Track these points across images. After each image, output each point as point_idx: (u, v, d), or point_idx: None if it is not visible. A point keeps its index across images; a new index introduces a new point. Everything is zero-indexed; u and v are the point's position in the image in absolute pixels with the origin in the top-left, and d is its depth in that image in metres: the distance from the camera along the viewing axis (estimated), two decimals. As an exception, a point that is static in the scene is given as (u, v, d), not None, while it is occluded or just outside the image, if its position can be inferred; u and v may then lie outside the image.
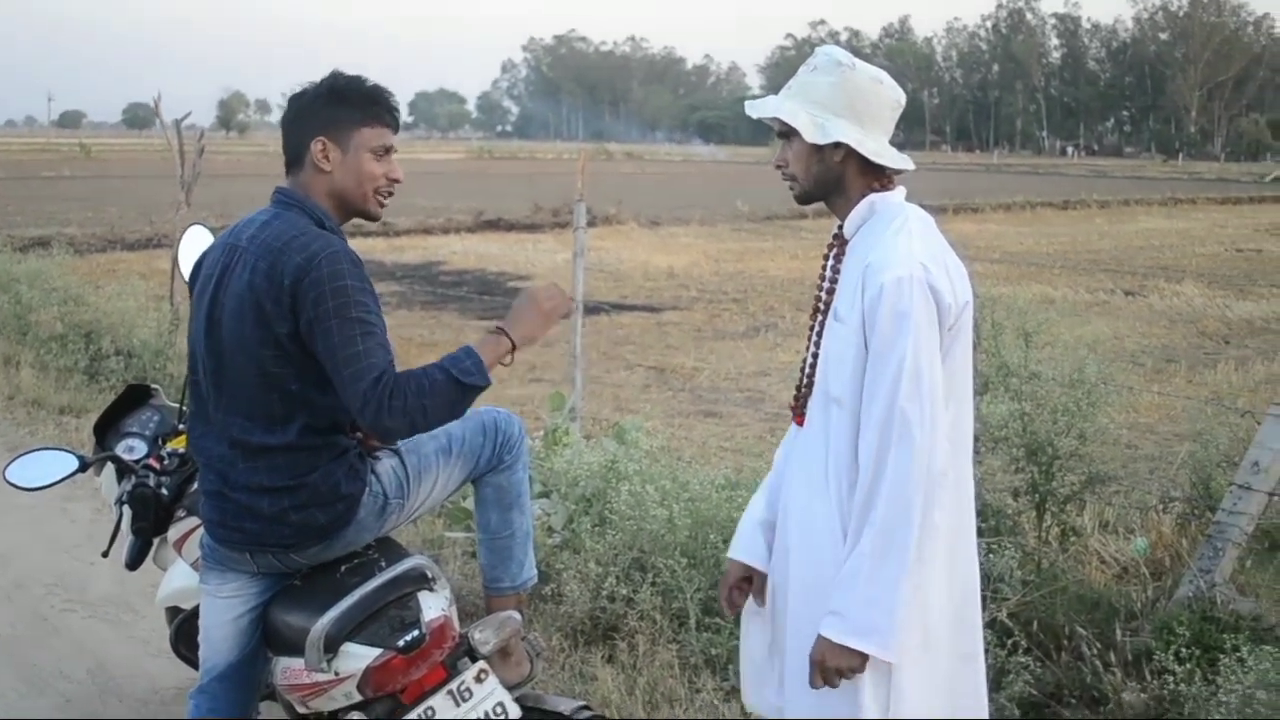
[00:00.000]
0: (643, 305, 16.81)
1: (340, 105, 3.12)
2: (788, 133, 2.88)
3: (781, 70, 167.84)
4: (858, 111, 2.83)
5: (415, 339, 13.26)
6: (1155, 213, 38.62)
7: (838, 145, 2.82)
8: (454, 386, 2.91)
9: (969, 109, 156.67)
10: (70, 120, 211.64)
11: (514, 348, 3.10)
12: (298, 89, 3.20)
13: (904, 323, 2.67)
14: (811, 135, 2.81)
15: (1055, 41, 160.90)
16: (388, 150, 3.17)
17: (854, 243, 2.89)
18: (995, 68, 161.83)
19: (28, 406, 9.42)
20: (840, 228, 2.96)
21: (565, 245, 24.97)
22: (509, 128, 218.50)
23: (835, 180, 2.87)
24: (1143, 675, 4.25)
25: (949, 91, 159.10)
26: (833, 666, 2.74)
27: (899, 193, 2.90)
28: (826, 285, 2.95)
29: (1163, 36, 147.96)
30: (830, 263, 2.96)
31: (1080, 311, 15.17)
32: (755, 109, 2.93)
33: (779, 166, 2.94)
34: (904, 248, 2.74)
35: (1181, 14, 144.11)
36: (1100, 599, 4.79)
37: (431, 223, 28.85)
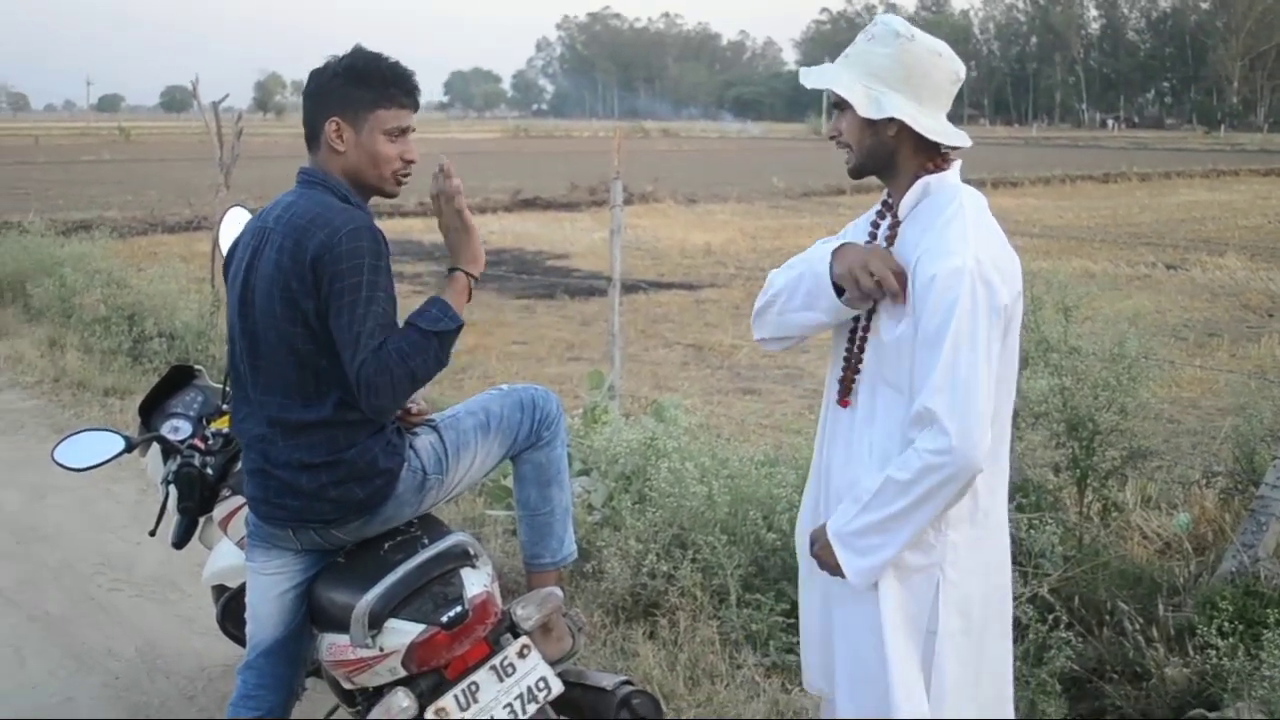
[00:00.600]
0: (680, 283, 16.80)
1: (356, 85, 3.12)
2: (842, 103, 2.82)
3: (818, 45, 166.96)
4: (915, 85, 2.77)
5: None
6: (1197, 185, 38.25)
7: (891, 120, 2.76)
8: (429, 339, 3.01)
9: (1007, 82, 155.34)
10: (109, 104, 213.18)
11: (470, 278, 3.18)
12: (320, 64, 3.20)
13: (950, 315, 2.63)
14: (865, 109, 2.75)
15: (1094, 12, 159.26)
16: (404, 131, 3.17)
17: (906, 225, 2.84)
18: (1033, 40, 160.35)
19: (73, 388, 9.54)
20: (890, 197, 2.92)
21: (602, 223, 25.04)
22: (544, 106, 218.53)
23: (888, 155, 2.83)
24: (1185, 650, 4.23)
25: (987, 64, 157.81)
26: (818, 554, 2.90)
27: (954, 171, 2.85)
28: None
29: (1204, 6, 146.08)
30: (882, 241, 2.89)
31: (1121, 285, 15.08)
32: (810, 78, 2.86)
33: (833, 137, 2.89)
34: (957, 237, 2.69)
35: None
36: (1142, 574, 4.77)
37: (469, 202, 28.63)
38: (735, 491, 5.07)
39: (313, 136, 3.18)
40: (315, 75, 3.18)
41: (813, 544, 2.93)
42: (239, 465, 3.88)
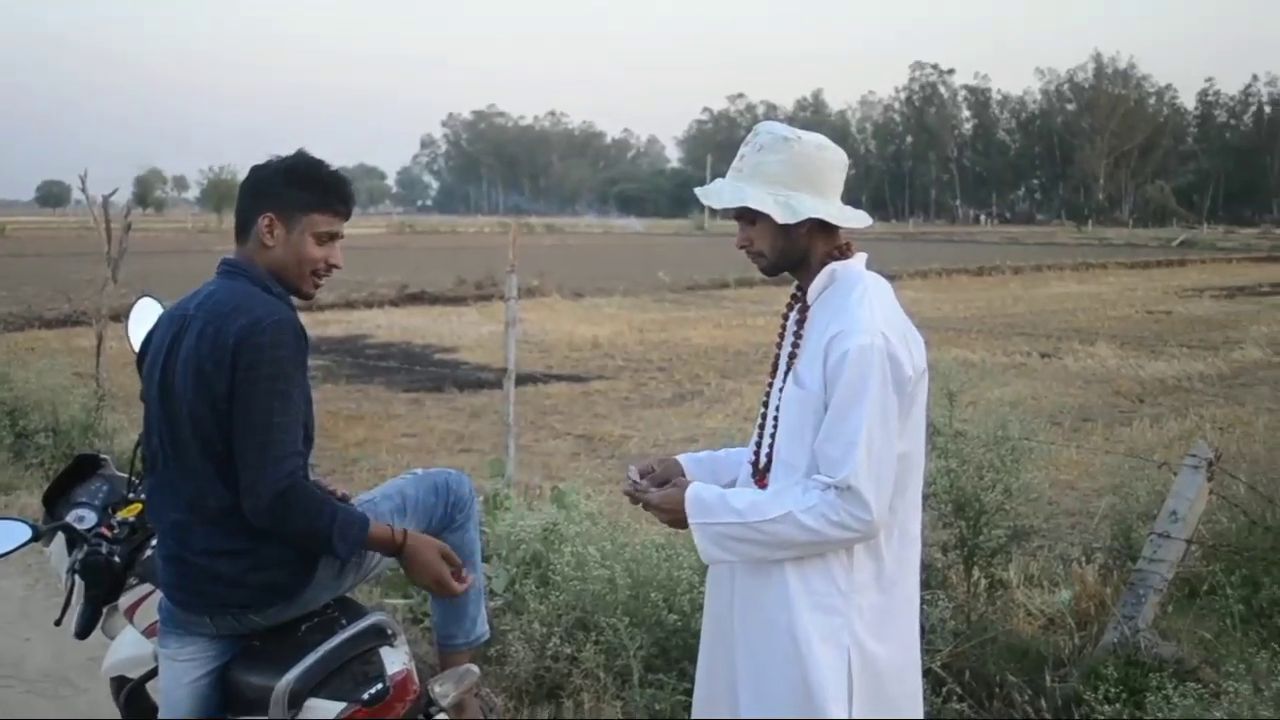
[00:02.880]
0: (569, 375, 16.90)
1: (295, 187, 3.22)
2: (746, 215, 2.97)
3: (699, 143, 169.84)
4: (814, 182, 2.94)
5: (343, 412, 13.25)
6: (1067, 277, 39.55)
7: (803, 220, 2.92)
8: (324, 541, 3.06)
9: (884, 179, 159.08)
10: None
11: (399, 553, 3.22)
12: (262, 160, 3.30)
13: (863, 392, 2.78)
14: (782, 217, 2.90)
15: (967, 113, 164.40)
16: (333, 237, 3.28)
17: (815, 309, 3.00)
18: (909, 139, 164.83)
19: (-46, 485, 9.32)
20: (799, 288, 3.08)
21: (489, 317, 25.09)
22: (429, 202, 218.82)
23: (802, 252, 3.00)
24: (1072, 719, 4.39)
25: (864, 162, 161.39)
26: (658, 503, 3.05)
27: (859, 260, 3.02)
28: (789, 347, 3.04)
29: (1070, 107, 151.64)
30: (792, 325, 3.07)
31: (998, 373, 15.46)
32: (714, 199, 2.99)
33: (743, 247, 3.04)
34: (866, 316, 2.85)
35: (1088, 86, 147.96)
36: (1029, 648, 4.94)
37: (355, 296, 28.78)
38: (636, 575, 5.15)
39: (244, 228, 3.26)
40: (257, 170, 3.27)
41: (653, 499, 3.07)
42: (146, 553, 3.89)
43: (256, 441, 2.99)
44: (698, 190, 3.04)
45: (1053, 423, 11.62)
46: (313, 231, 3.23)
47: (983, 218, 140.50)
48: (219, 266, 3.27)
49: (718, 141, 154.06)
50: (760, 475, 3.06)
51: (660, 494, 3.05)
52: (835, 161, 2.99)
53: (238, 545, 3.14)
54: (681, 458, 3.34)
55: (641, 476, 3.18)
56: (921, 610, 4.68)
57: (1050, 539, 6.38)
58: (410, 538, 3.21)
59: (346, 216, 3.32)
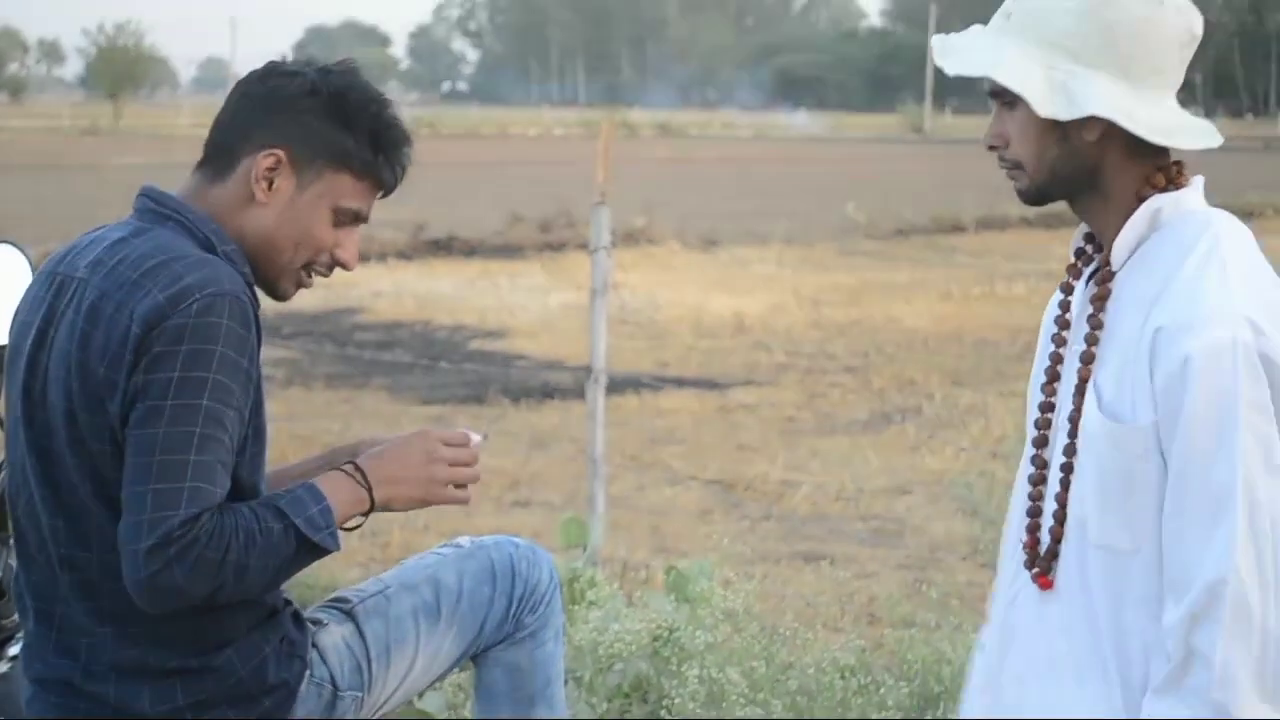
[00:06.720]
0: (695, 379, 16.91)
1: (334, 123, 3.26)
2: (1004, 94, 2.86)
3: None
4: (1124, 56, 2.79)
5: (319, 435, 13.31)
6: None
7: (1092, 119, 2.78)
8: (297, 544, 3.04)
9: (1234, 45, 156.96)
10: None
11: (371, 508, 3.23)
12: (281, 58, 3.36)
13: (1230, 423, 2.63)
14: (1047, 106, 2.77)
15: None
16: (356, 219, 3.33)
17: (1125, 277, 2.85)
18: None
19: None
20: (1087, 241, 3.00)
21: (562, 280, 25.00)
22: (463, 85, 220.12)
23: (1088, 172, 2.86)
24: None
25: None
26: None
27: (1195, 191, 2.88)
28: (1079, 345, 2.90)
29: None
30: (1078, 305, 2.95)
31: None
32: (951, 59, 2.89)
33: (994, 147, 2.94)
34: (1217, 292, 2.69)
35: None
36: None
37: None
38: (809, 716, 5.15)
39: (224, 158, 3.28)
40: (274, 76, 3.32)
41: None
42: (1, 668, 3.95)
43: (143, 491, 2.92)
44: (935, 40, 2.92)
45: None
46: (335, 201, 3.27)
47: None
48: (138, 199, 3.26)
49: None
50: (1043, 565, 2.96)
51: None
52: (1172, 28, 2.83)
53: (171, 663, 3.13)
54: None
55: None
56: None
57: None
58: (374, 484, 3.21)
59: (386, 193, 3.40)
